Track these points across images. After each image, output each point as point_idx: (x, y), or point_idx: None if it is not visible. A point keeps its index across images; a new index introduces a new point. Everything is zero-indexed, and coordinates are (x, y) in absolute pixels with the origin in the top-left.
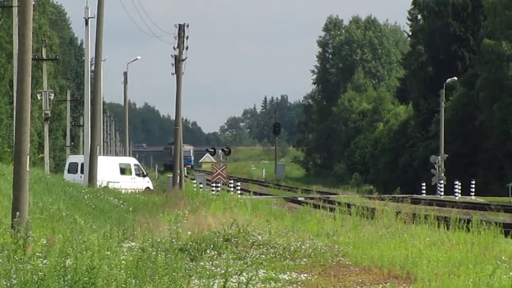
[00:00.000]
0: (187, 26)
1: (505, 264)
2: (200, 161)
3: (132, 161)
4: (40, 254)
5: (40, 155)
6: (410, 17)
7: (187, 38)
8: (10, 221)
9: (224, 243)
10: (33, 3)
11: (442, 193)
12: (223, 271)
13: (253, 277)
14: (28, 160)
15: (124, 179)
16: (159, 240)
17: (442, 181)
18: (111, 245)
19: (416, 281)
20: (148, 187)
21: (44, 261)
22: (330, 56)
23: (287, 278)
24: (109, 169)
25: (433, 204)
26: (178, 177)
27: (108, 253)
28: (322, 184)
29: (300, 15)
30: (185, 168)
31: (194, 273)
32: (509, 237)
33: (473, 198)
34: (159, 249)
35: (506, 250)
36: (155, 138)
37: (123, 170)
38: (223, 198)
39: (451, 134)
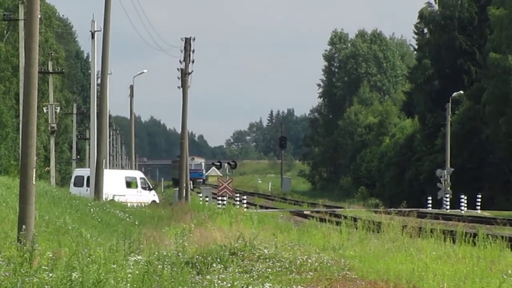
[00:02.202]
0: (193, 39)
1: (511, 278)
2: (206, 174)
3: (138, 174)
4: (46, 267)
5: (46, 168)
6: (416, 31)
7: (193, 51)
8: (16, 234)
9: (230, 256)
10: (39, 16)
11: (448, 207)
12: (229, 285)
13: None
14: (34, 173)
15: (130, 192)
16: (165, 254)
17: (448, 195)
18: (117, 258)
19: None
20: (154, 201)
21: (50, 275)
22: (336, 69)
23: None
24: (115, 183)
25: (439, 218)
26: (184, 190)
27: (114, 266)
28: (328, 198)
29: (307, 28)
30: (191, 182)
31: (200, 286)
32: None
33: (479, 212)
34: (165, 263)
35: None
36: (161, 152)
37: (129, 184)
38: (229, 211)
39: (457, 148)
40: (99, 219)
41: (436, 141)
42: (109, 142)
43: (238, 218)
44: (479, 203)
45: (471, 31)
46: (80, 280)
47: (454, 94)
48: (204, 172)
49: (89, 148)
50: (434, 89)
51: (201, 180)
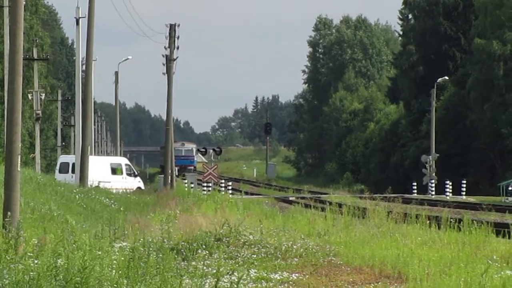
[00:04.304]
0: (178, 26)
1: (497, 264)
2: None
3: (123, 161)
4: (31, 254)
5: (31, 155)
6: (401, 17)
7: (178, 37)
8: (1, 221)
9: (216, 242)
10: (24, 3)
11: (433, 193)
12: (214, 271)
13: (245, 277)
14: (19, 160)
15: (115, 179)
16: (150, 240)
17: (433, 181)
18: (102, 245)
19: (407, 280)
20: (139, 187)
21: (36, 261)
22: (321, 56)
23: (278, 278)
24: (100, 169)
25: (424, 204)
26: (170, 177)
27: (100, 253)
28: (313, 184)
29: (292, 14)
30: (176, 168)
31: (185, 273)
32: (500, 237)
33: (464, 197)
34: (151, 249)
35: (497, 249)
36: (146, 138)
37: (114, 170)
38: (214, 198)
39: (442, 133)
40: (84, 206)
41: (421, 127)
42: (94, 128)
43: (223, 204)
44: (464, 189)
45: (456, 17)
46: (66, 266)
47: (439, 80)
48: (195, 159)
49: (74, 135)
50: (419, 74)
51: (192, 167)
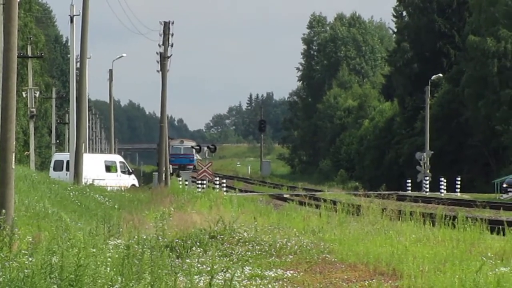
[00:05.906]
0: (172, 23)
1: (491, 261)
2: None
3: (117, 158)
4: (26, 252)
5: (26, 152)
6: (395, 14)
7: (172, 35)
8: None
9: (210, 240)
10: (18, 0)
11: (428, 190)
12: (209, 268)
13: (239, 274)
14: (13, 157)
15: (110, 176)
16: (144, 237)
17: (427, 178)
18: (97, 242)
19: (402, 277)
20: (133, 185)
21: (30, 259)
22: (315, 53)
23: (273, 275)
24: (94, 167)
25: (418, 201)
26: (164, 174)
27: (94, 250)
28: (307, 181)
29: (286, 12)
30: (170, 166)
31: (180, 270)
32: (494, 234)
33: (458, 194)
34: (145, 246)
35: (492, 246)
36: (140, 136)
37: (109, 168)
38: (208, 195)
39: (437, 131)
40: (79, 203)
41: (415, 124)
42: (89, 126)
43: (217, 201)
44: (458, 186)
45: (450, 14)
46: (60, 264)
47: (433, 77)
48: (195, 158)
49: (68, 133)
50: (413, 72)
51: (192, 167)
